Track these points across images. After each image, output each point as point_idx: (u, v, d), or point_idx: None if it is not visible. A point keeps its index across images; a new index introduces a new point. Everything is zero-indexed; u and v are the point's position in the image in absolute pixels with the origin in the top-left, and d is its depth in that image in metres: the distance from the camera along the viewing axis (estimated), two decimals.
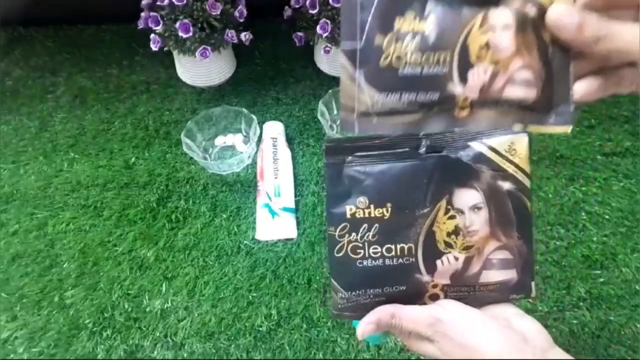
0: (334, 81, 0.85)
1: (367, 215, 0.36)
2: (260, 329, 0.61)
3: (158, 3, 0.74)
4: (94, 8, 0.91)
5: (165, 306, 0.63)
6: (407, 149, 0.36)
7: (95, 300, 0.64)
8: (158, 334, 0.61)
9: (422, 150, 0.36)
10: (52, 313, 0.63)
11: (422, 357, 0.58)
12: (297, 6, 0.79)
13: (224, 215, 0.71)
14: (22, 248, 0.68)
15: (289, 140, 0.78)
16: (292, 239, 0.69)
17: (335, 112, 0.81)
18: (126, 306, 0.63)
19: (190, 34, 0.73)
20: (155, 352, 0.60)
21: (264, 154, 0.74)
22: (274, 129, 0.77)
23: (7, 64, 0.90)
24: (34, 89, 0.86)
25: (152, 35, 0.76)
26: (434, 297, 0.38)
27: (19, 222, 0.71)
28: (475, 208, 0.36)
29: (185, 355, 0.60)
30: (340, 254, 0.37)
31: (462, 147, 0.36)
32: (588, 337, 0.60)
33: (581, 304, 0.62)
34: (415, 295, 0.37)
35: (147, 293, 0.64)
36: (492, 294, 0.38)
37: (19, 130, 0.81)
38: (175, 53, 0.82)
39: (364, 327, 0.37)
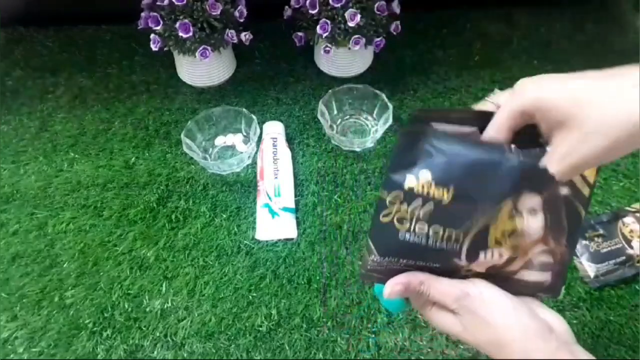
0: (334, 81, 0.85)
1: (425, 192, 0.34)
2: (260, 329, 0.61)
3: (158, 3, 0.74)
4: (94, 8, 0.91)
5: (165, 306, 0.63)
6: (475, 129, 0.34)
7: (95, 300, 0.64)
8: (158, 334, 0.61)
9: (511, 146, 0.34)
10: (52, 313, 0.63)
11: (428, 349, 0.58)
12: (297, 6, 0.79)
13: (224, 215, 0.71)
14: (22, 248, 0.68)
15: (289, 140, 0.78)
16: (292, 239, 0.69)
17: (335, 112, 0.81)
18: (126, 306, 0.63)
19: (190, 34, 0.73)
20: (155, 352, 0.60)
21: (264, 154, 0.74)
22: (274, 129, 0.77)
23: (7, 64, 0.90)
24: (34, 89, 0.86)
25: (152, 35, 0.76)
26: (464, 278, 0.37)
27: (19, 222, 0.71)
28: (532, 210, 0.35)
29: (185, 355, 0.60)
30: (385, 220, 0.35)
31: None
32: (588, 337, 0.60)
33: (581, 304, 0.62)
34: (447, 274, 0.36)
35: (147, 293, 0.64)
36: (521, 289, 0.37)
37: (19, 130, 0.81)
38: (175, 53, 0.82)
39: (393, 286, 0.37)
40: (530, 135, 0.34)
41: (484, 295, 0.36)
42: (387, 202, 0.35)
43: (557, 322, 0.36)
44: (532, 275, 0.37)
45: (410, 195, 0.34)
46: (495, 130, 0.35)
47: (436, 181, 0.33)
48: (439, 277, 0.37)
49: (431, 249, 0.35)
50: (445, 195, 0.33)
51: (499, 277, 0.36)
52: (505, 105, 0.34)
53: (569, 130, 0.32)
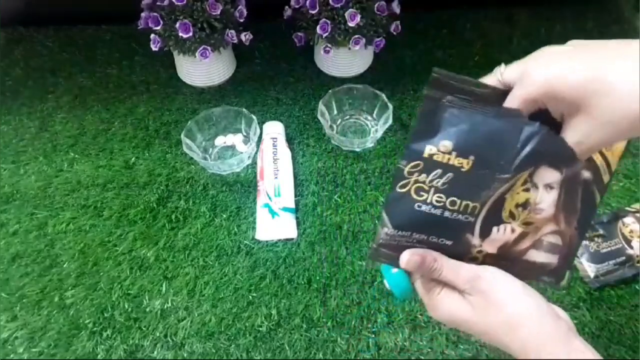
0: (334, 81, 0.85)
1: (445, 160, 0.34)
2: (260, 329, 0.61)
3: (158, 3, 0.74)
4: (94, 8, 0.91)
5: (165, 306, 0.63)
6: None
7: (95, 300, 0.64)
8: (158, 334, 0.61)
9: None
10: (52, 313, 0.63)
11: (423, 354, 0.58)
12: (297, 6, 0.79)
13: (224, 215, 0.71)
14: (22, 248, 0.68)
15: (289, 140, 0.78)
16: (292, 239, 0.69)
17: (335, 112, 0.81)
18: (126, 306, 0.63)
19: (190, 34, 0.73)
20: (155, 352, 0.60)
21: (264, 154, 0.74)
22: (274, 129, 0.77)
23: (7, 64, 0.90)
24: (34, 89, 0.86)
25: (152, 35, 0.76)
26: (473, 260, 0.37)
27: (19, 222, 0.71)
28: (549, 187, 0.35)
29: (185, 355, 0.60)
30: (403, 190, 0.35)
31: None
32: (588, 337, 0.60)
33: (581, 304, 0.62)
34: (457, 254, 0.36)
35: (147, 293, 0.64)
36: (527, 272, 0.37)
37: (19, 130, 0.81)
38: (175, 53, 0.82)
39: (410, 256, 0.36)
40: (542, 117, 0.34)
41: (496, 277, 0.36)
42: (406, 172, 0.35)
43: (561, 312, 0.37)
44: (540, 256, 0.36)
45: (430, 164, 0.34)
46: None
47: (457, 151, 0.33)
48: (452, 259, 0.37)
49: (446, 221, 0.35)
50: (465, 164, 0.33)
51: (508, 258, 0.36)
52: (515, 93, 0.34)
53: (580, 117, 0.32)
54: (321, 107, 0.77)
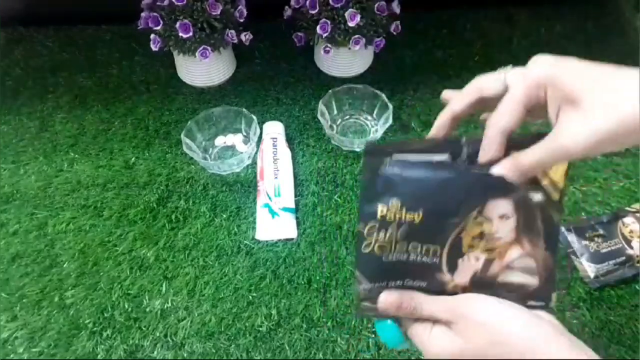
0: (334, 81, 0.85)
1: (397, 218, 0.36)
2: (260, 329, 0.61)
3: (158, 3, 0.74)
4: (94, 8, 0.91)
5: (165, 306, 0.63)
6: (447, 156, 0.36)
7: (95, 300, 0.64)
8: (158, 334, 0.61)
9: (464, 158, 0.36)
10: (52, 313, 0.63)
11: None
12: (297, 6, 0.79)
13: (224, 215, 0.71)
14: (22, 248, 0.68)
15: (289, 140, 0.78)
16: (292, 239, 0.69)
17: (335, 112, 0.81)
18: (126, 306, 0.63)
19: (190, 34, 0.73)
20: (155, 352, 0.60)
21: (264, 154, 0.74)
22: (274, 129, 0.77)
23: (7, 64, 0.90)
24: (34, 89, 0.86)
25: (152, 35, 0.76)
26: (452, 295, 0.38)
27: (19, 222, 0.71)
28: (504, 217, 0.36)
29: (185, 355, 0.60)
30: (367, 251, 0.37)
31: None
32: (588, 337, 0.60)
33: (581, 304, 0.62)
34: (435, 293, 0.37)
35: (147, 293, 0.64)
36: (510, 295, 0.37)
37: (19, 130, 0.81)
38: (175, 53, 0.82)
39: (387, 296, 0.37)
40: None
41: (473, 298, 0.36)
42: (365, 233, 0.37)
43: (542, 313, 0.36)
44: (515, 277, 0.37)
45: (384, 223, 0.36)
46: (513, 103, 0.35)
47: (406, 207, 0.36)
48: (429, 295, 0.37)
49: (414, 264, 0.37)
50: (416, 217, 0.36)
51: (484, 286, 0.37)
52: (520, 80, 0.35)
53: (577, 110, 0.32)
54: (321, 107, 0.77)
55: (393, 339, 0.41)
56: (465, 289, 0.37)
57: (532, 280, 0.37)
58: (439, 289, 0.37)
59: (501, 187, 0.36)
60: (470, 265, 0.37)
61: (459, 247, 0.37)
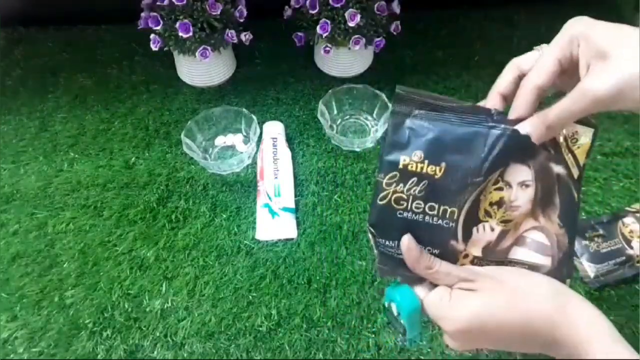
0: (334, 81, 0.85)
1: (419, 169, 0.35)
2: (260, 329, 0.61)
3: (158, 3, 0.74)
4: (94, 8, 0.91)
5: (165, 306, 0.63)
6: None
7: (95, 300, 0.64)
8: (158, 334, 0.61)
9: (494, 112, 0.36)
10: (52, 313, 0.63)
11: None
12: (297, 6, 0.79)
13: (224, 215, 0.71)
14: (22, 248, 0.68)
15: (289, 140, 0.78)
16: (292, 239, 0.69)
17: (335, 112, 0.81)
18: (126, 306, 0.63)
19: (190, 34, 0.73)
20: (155, 352, 0.60)
21: (264, 154, 0.74)
22: (274, 129, 0.77)
23: (7, 64, 0.90)
24: (34, 89, 0.86)
25: (152, 35, 0.76)
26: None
27: (19, 222, 0.71)
28: (524, 185, 0.36)
29: (185, 355, 0.60)
30: (383, 202, 0.36)
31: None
32: None
33: None
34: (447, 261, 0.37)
35: (147, 293, 0.64)
36: None
37: (19, 130, 0.81)
38: (175, 53, 0.82)
39: (409, 241, 0.36)
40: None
41: (494, 266, 0.36)
42: (384, 184, 0.36)
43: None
44: (526, 255, 0.36)
45: (405, 174, 0.35)
46: (547, 57, 0.36)
47: (429, 159, 0.35)
48: None
49: (429, 227, 0.36)
50: (438, 171, 0.35)
51: (495, 259, 0.37)
52: (552, 43, 0.37)
53: (605, 61, 0.33)
54: (321, 107, 0.77)
55: (409, 301, 0.39)
56: (475, 260, 0.37)
57: (544, 261, 0.36)
58: (451, 259, 0.37)
59: (524, 149, 0.35)
60: (484, 235, 0.36)
61: (476, 212, 0.35)
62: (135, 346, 0.60)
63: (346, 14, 0.74)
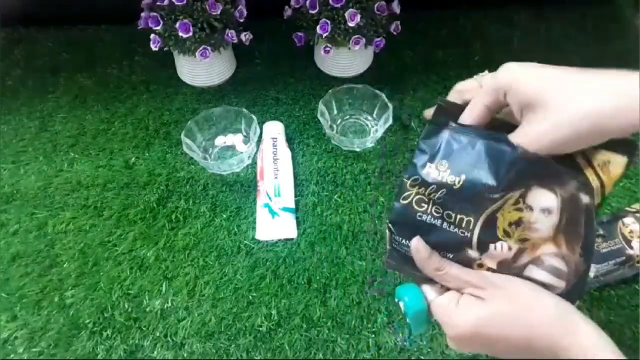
0: (334, 81, 0.85)
1: (440, 178, 0.37)
2: (260, 329, 0.61)
3: (158, 3, 0.74)
4: (94, 8, 0.91)
5: (165, 306, 0.63)
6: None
7: (95, 300, 0.64)
8: (158, 334, 0.61)
9: None
10: (52, 313, 0.63)
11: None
12: (297, 6, 0.79)
13: (224, 215, 0.71)
14: (22, 248, 0.68)
15: (289, 140, 0.78)
16: (292, 239, 0.69)
17: (335, 112, 0.81)
18: (126, 306, 0.63)
19: (190, 34, 0.73)
20: (155, 352, 0.60)
21: (264, 154, 0.74)
22: (274, 129, 0.77)
23: (7, 64, 0.90)
24: (34, 89, 0.86)
25: (152, 35, 0.76)
26: None
27: (19, 222, 0.71)
28: (547, 211, 0.35)
29: (185, 355, 0.60)
30: (405, 202, 0.38)
31: None
32: None
33: (581, 304, 0.62)
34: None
35: (147, 293, 0.64)
36: None
37: (19, 130, 0.81)
38: (175, 53, 0.82)
39: (419, 242, 0.38)
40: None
41: (506, 276, 0.36)
42: (408, 185, 0.38)
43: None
44: (541, 275, 0.36)
45: (427, 179, 0.37)
46: (475, 106, 0.38)
47: (451, 170, 0.37)
48: None
49: (445, 233, 0.37)
50: (457, 182, 0.36)
51: (509, 273, 0.37)
52: (483, 87, 0.38)
53: (536, 113, 0.34)
54: (321, 107, 0.77)
55: (415, 303, 0.40)
56: (490, 270, 0.37)
57: (558, 283, 0.36)
58: (465, 264, 0.37)
59: (551, 176, 0.35)
60: (501, 253, 0.36)
61: (494, 228, 0.36)
62: (135, 346, 0.60)
63: (346, 14, 0.74)
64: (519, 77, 0.35)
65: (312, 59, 0.89)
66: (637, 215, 0.67)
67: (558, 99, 0.33)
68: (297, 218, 0.70)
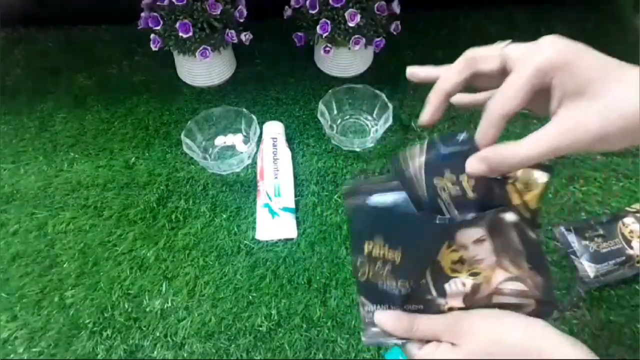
0: (334, 81, 0.85)
1: (381, 255, 0.38)
2: (260, 329, 0.61)
3: (158, 3, 0.74)
4: (94, 8, 0.91)
5: (165, 306, 0.63)
6: (404, 195, 0.37)
7: (95, 300, 0.64)
8: (158, 334, 0.61)
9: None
10: (52, 313, 0.63)
11: None
12: (297, 6, 0.79)
13: (224, 215, 0.71)
14: (22, 248, 0.68)
15: (289, 140, 0.78)
16: (292, 239, 0.69)
17: (335, 112, 0.81)
18: (126, 306, 0.63)
19: (190, 34, 0.73)
20: (155, 352, 0.60)
21: (264, 154, 0.74)
22: (274, 129, 0.77)
23: (7, 64, 0.90)
24: (34, 89, 0.86)
25: (152, 35, 0.76)
26: None
27: (19, 222, 0.71)
28: (479, 241, 0.36)
29: (185, 355, 0.60)
30: (363, 279, 0.39)
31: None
32: (588, 337, 0.60)
33: (581, 304, 0.62)
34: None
35: (147, 293, 0.64)
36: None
37: (19, 130, 0.81)
38: (175, 53, 0.82)
39: (382, 314, 0.38)
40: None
41: (472, 313, 0.36)
42: (357, 265, 0.39)
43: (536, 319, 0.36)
44: (508, 299, 0.37)
45: (371, 259, 0.38)
46: (521, 84, 0.32)
47: (388, 244, 0.37)
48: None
49: (408, 294, 0.38)
50: (397, 258, 0.37)
51: (479, 306, 0.37)
52: (527, 62, 0.32)
53: (581, 101, 0.30)
54: (321, 107, 0.77)
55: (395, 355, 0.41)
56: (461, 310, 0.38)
57: (527, 301, 0.37)
58: (437, 311, 0.38)
59: (468, 221, 0.36)
60: (458, 290, 0.37)
61: (441, 272, 0.37)
62: (135, 346, 0.60)
63: (346, 14, 0.74)
64: (575, 59, 0.31)
65: (312, 59, 0.89)
66: (637, 215, 0.67)
67: (611, 90, 0.30)
68: (297, 218, 0.70)
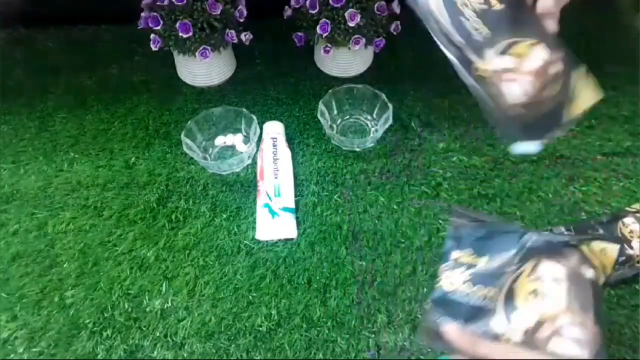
0: (334, 81, 0.85)
1: (468, 261, 0.43)
2: (260, 329, 0.61)
3: (158, 3, 0.74)
4: (94, 8, 0.91)
5: (165, 306, 0.63)
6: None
7: (95, 300, 0.64)
8: (158, 334, 0.61)
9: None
10: (52, 313, 0.63)
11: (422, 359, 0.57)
12: (297, 6, 0.79)
13: (224, 215, 0.71)
14: (22, 248, 0.68)
15: (289, 140, 0.78)
16: (292, 239, 0.69)
17: (335, 112, 0.81)
18: (126, 306, 0.63)
19: (190, 34, 0.73)
20: (155, 352, 0.60)
21: (264, 154, 0.74)
22: (274, 129, 0.77)
23: (7, 64, 0.90)
24: (34, 89, 0.86)
25: (152, 35, 0.76)
26: None
27: (19, 222, 0.71)
28: (557, 280, 0.39)
29: (185, 355, 0.60)
30: (438, 285, 0.43)
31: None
32: None
33: None
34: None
35: (147, 293, 0.64)
36: None
37: (19, 130, 0.81)
38: (175, 53, 0.82)
39: (450, 326, 0.41)
40: None
41: (525, 353, 0.37)
42: (440, 269, 0.44)
43: None
44: (564, 346, 0.37)
45: (457, 264, 0.44)
46: None
47: (476, 253, 0.43)
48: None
49: (473, 308, 0.41)
50: (482, 262, 0.43)
51: (534, 348, 0.38)
52: None
53: None
54: (321, 107, 0.77)
55: None
56: (516, 345, 0.39)
57: (581, 352, 0.37)
58: (494, 338, 0.39)
59: (556, 251, 0.40)
60: (522, 320, 0.38)
61: (512, 298, 0.39)
62: (135, 346, 0.60)
63: (346, 14, 0.74)
64: None
65: (312, 59, 0.89)
66: (637, 215, 0.66)
67: None
68: (297, 218, 0.70)
